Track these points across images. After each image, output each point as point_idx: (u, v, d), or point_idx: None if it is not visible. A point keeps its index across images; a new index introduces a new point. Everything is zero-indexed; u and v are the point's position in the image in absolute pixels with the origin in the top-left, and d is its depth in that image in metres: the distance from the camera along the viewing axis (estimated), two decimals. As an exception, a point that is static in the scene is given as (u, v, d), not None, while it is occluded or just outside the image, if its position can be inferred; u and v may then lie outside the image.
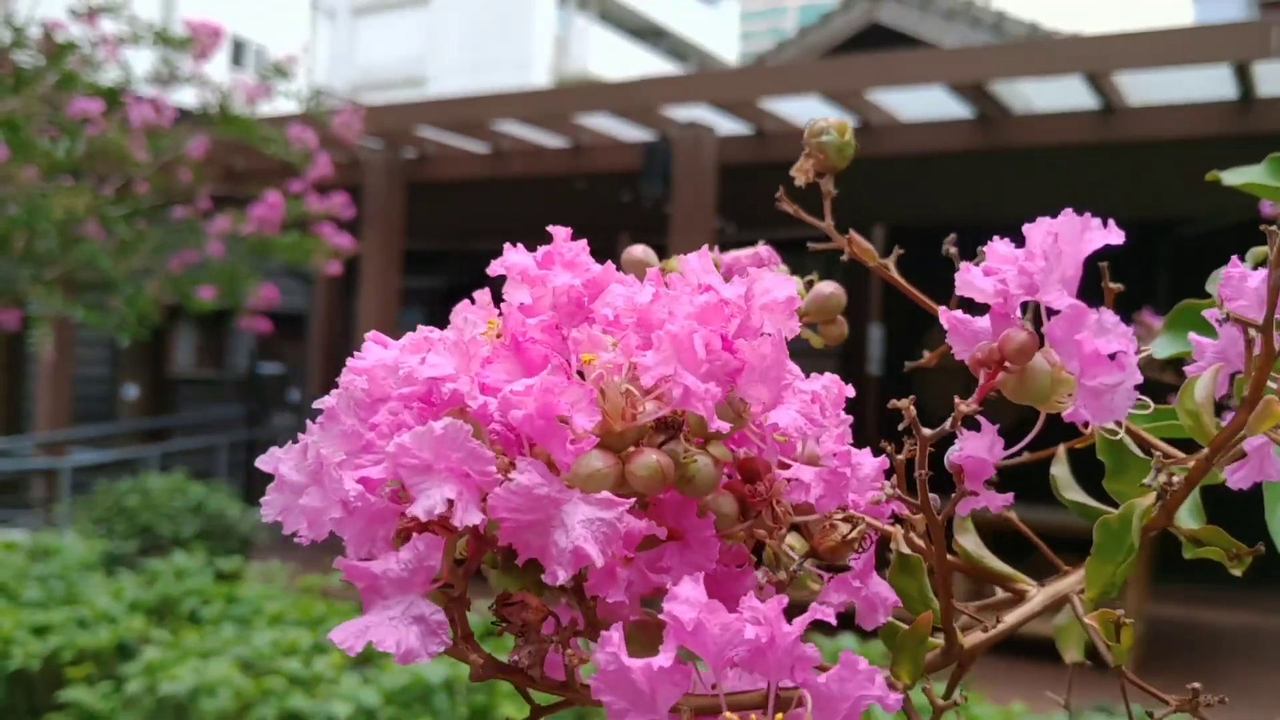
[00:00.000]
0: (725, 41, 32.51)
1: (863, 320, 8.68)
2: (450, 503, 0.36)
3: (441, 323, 0.45)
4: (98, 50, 5.88)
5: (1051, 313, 0.42)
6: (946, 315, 0.44)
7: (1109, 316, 0.41)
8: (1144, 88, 5.77)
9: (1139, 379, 0.40)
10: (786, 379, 0.41)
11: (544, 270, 0.45)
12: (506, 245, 0.47)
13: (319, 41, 26.65)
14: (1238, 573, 0.50)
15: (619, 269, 0.46)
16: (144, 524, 6.43)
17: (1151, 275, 7.75)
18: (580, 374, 0.39)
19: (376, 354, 0.41)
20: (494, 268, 0.46)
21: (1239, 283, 0.46)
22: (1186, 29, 5.85)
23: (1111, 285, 0.51)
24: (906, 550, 0.45)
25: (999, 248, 0.44)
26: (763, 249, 0.63)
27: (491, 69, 24.44)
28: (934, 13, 9.00)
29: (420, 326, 0.43)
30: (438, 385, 0.39)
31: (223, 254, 6.55)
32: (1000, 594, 0.55)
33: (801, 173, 0.58)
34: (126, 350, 9.88)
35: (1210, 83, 5.60)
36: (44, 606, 4.50)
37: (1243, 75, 5.40)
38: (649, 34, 30.35)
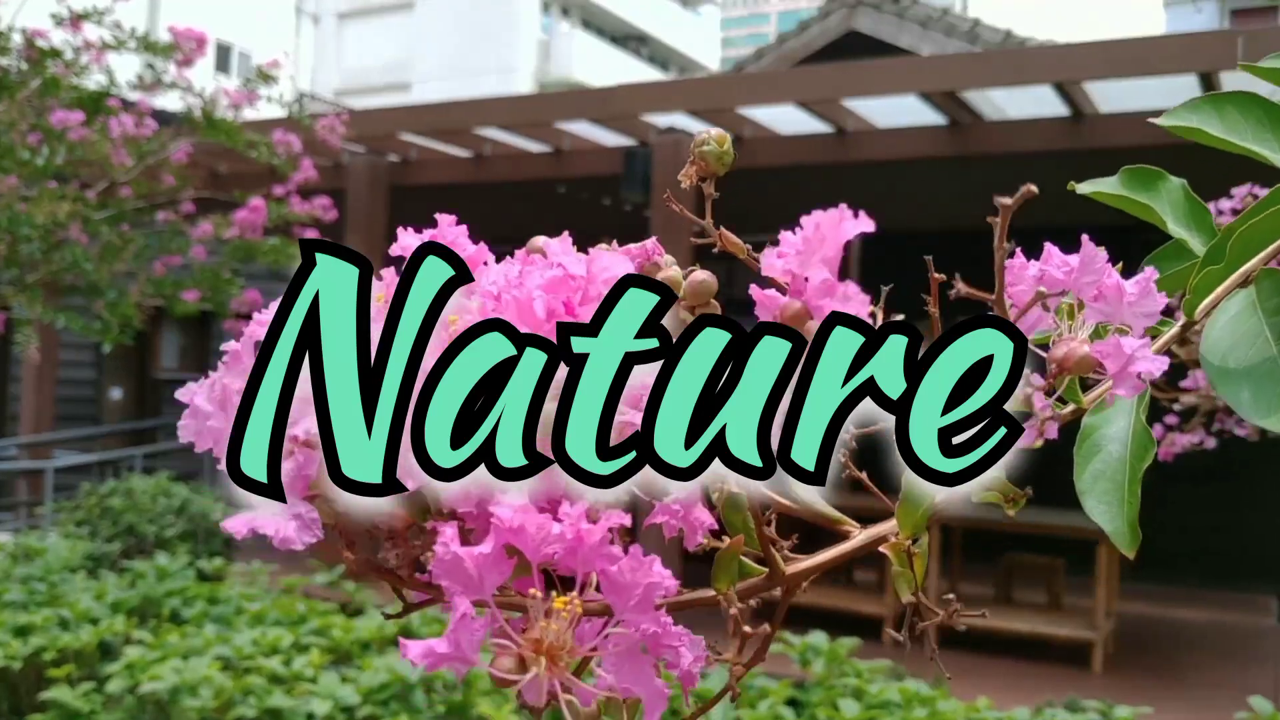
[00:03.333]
0: (707, 48, 32.61)
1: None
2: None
3: None
4: (81, 56, 5.91)
5: (812, 282, 0.51)
6: (756, 291, 0.53)
7: (852, 288, 0.50)
8: (1113, 96, 5.88)
9: None
10: None
11: None
12: (400, 230, 0.54)
13: (303, 46, 26.64)
14: (1011, 513, 0.56)
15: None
16: (127, 525, 6.47)
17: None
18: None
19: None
20: (393, 250, 0.54)
21: (1015, 271, 0.56)
22: (1154, 39, 5.96)
23: (936, 275, 0.59)
24: (735, 489, 0.51)
25: (787, 235, 0.53)
26: (650, 243, 0.72)
27: (475, 74, 24.48)
28: (910, 21, 9.11)
29: None
30: None
31: (206, 258, 6.59)
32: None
33: (685, 177, 0.68)
34: (111, 353, 9.89)
35: (1178, 91, 5.72)
36: (26, 608, 4.55)
37: (1209, 85, 5.51)
38: (632, 40, 30.44)
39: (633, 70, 27.26)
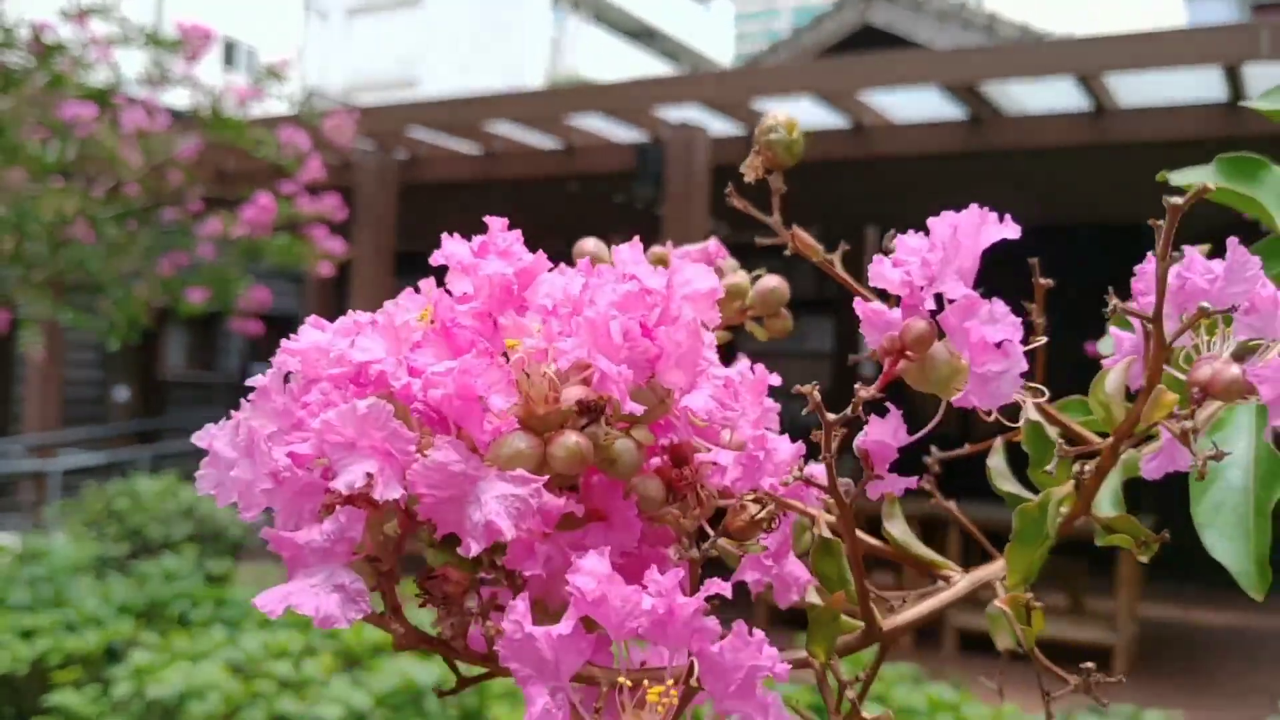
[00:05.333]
0: (719, 43, 32.55)
1: (856, 321, 8.68)
2: (370, 477, 0.37)
3: None
4: (88, 52, 5.86)
5: (950, 302, 0.43)
6: (861, 306, 0.46)
7: (999, 307, 0.42)
8: (1134, 89, 5.79)
9: (1024, 367, 0.42)
10: (702, 365, 0.43)
11: (478, 259, 0.46)
12: (444, 236, 0.48)
13: (311, 43, 26.64)
14: (1144, 559, 0.51)
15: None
16: (134, 527, 6.41)
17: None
18: (505, 357, 0.41)
19: (311, 336, 0.43)
20: (435, 257, 0.47)
21: (1149, 278, 0.47)
22: (1177, 31, 5.87)
23: (1042, 281, 0.53)
24: (827, 534, 0.47)
25: (908, 240, 0.46)
26: (712, 244, 0.66)
27: (484, 70, 24.44)
28: (926, 14, 9.01)
29: (353, 311, 0.44)
30: (366, 367, 0.41)
31: (213, 256, 6.53)
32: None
33: (751, 170, 0.60)
34: (117, 353, 9.85)
35: (1201, 85, 5.62)
36: (31, 610, 4.48)
37: (1233, 77, 5.42)
38: (642, 35, 30.38)
39: (644, 66, 27.20)
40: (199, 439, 0.42)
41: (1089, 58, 5.48)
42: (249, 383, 0.42)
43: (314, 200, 6.57)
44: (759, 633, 0.37)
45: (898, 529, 0.53)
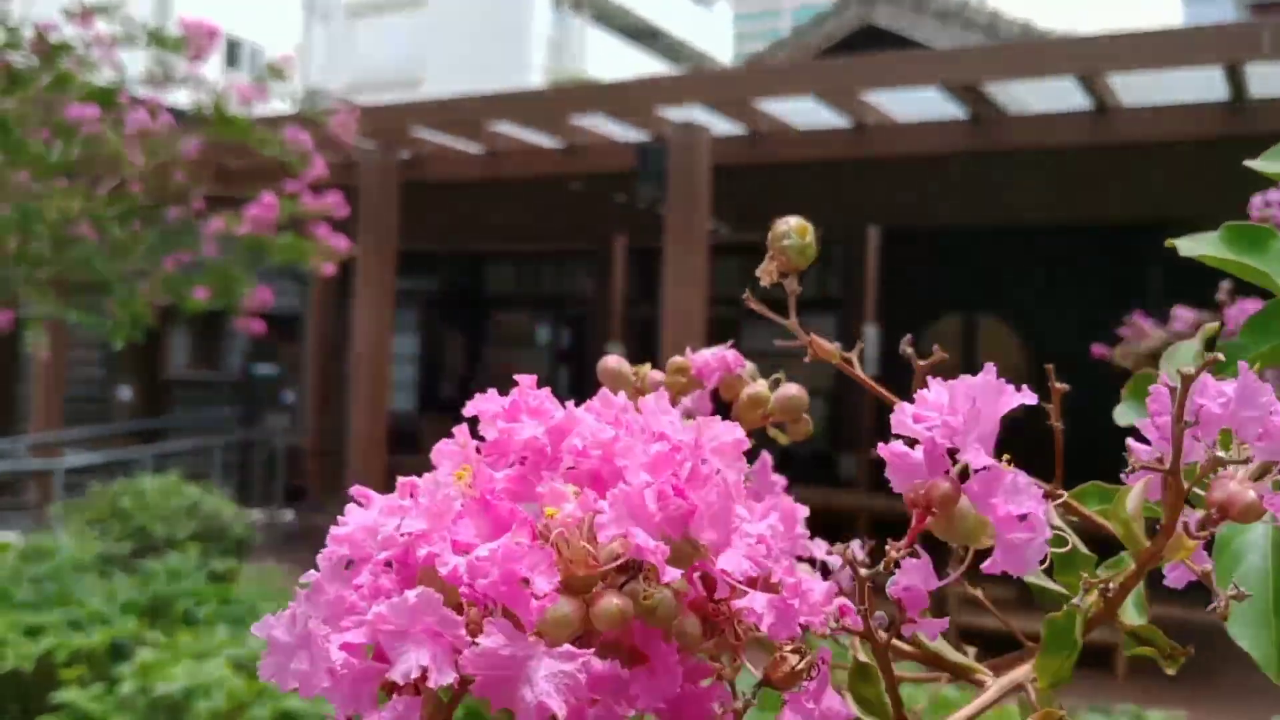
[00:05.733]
0: (720, 43, 32.54)
1: (858, 320, 8.70)
2: (425, 667, 0.39)
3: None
4: (92, 51, 5.87)
5: (974, 468, 0.45)
6: (885, 450, 0.47)
7: (1021, 479, 0.44)
8: (1136, 88, 5.80)
9: (1048, 534, 0.44)
10: (734, 523, 0.45)
11: (510, 423, 0.49)
12: (478, 396, 0.50)
13: (314, 42, 26.65)
14: (1171, 672, 0.54)
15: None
16: (138, 525, 6.43)
17: (1143, 276, 7.77)
18: (544, 528, 0.43)
19: (358, 518, 0.46)
20: (467, 410, 0.50)
21: (1164, 400, 0.49)
22: (1179, 30, 5.88)
23: (1057, 386, 0.55)
24: (864, 659, 0.49)
25: (928, 395, 0.47)
26: (729, 352, 0.68)
27: (486, 70, 24.43)
28: (928, 14, 9.02)
29: (399, 483, 0.48)
30: (413, 547, 0.44)
31: (217, 255, 6.54)
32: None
33: (766, 274, 0.63)
34: (120, 352, 9.85)
35: (1202, 84, 5.63)
36: (37, 608, 4.50)
37: (1234, 76, 5.42)
38: (644, 35, 30.38)
39: (645, 66, 27.18)
40: (257, 629, 0.44)
41: (1091, 57, 5.49)
42: (303, 579, 0.44)
43: (317, 198, 6.58)
44: None
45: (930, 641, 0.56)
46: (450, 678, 0.39)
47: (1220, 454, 0.45)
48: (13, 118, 5.40)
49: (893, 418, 0.47)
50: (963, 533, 0.45)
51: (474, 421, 0.51)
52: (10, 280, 5.87)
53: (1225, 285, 1.92)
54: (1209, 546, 0.53)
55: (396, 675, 0.39)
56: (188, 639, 4.03)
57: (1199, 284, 1.65)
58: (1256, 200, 1.80)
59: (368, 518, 0.45)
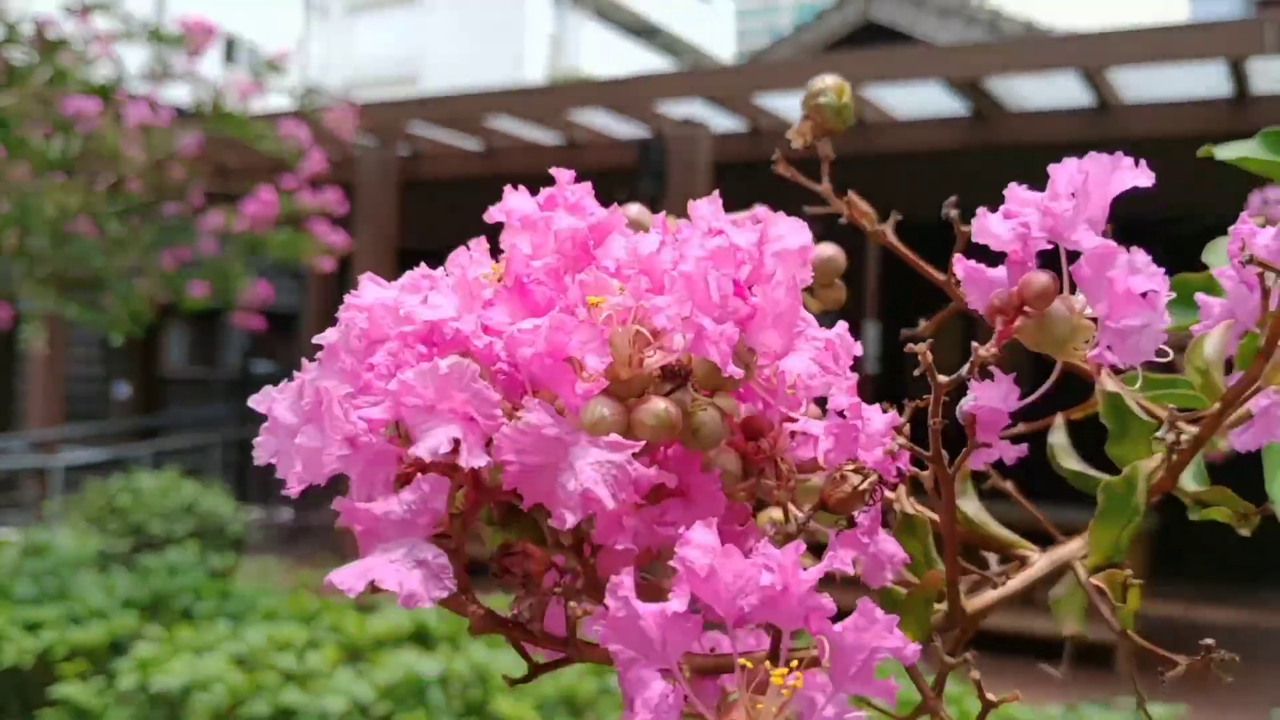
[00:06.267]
0: (720, 39, 32.50)
1: (857, 318, 8.68)
2: (455, 443, 0.34)
3: None
4: (90, 47, 5.85)
5: (1075, 256, 0.41)
6: (962, 263, 0.43)
7: (1141, 256, 0.40)
8: (1138, 85, 5.78)
9: (1167, 320, 0.40)
10: (800, 326, 0.40)
11: (547, 213, 0.43)
12: (507, 189, 0.45)
13: (312, 38, 26.60)
14: (1246, 532, 0.49)
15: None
16: (136, 523, 6.41)
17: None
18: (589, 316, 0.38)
19: (375, 293, 0.40)
20: (492, 214, 0.45)
21: (1250, 239, 0.45)
22: (1181, 26, 5.87)
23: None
24: (911, 510, 0.44)
25: (1019, 191, 0.43)
26: (760, 210, 0.63)
27: (485, 66, 24.41)
28: (929, 10, 9.00)
29: (419, 270, 0.42)
30: (440, 326, 0.38)
31: (215, 251, 6.52)
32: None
33: (799, 135, 0.58)
34: (118, 349, 9.84)
35: (1205, 80, 5.61)
36: (36, 603, 4.48)
37: (1237, 72, 5.41)
38: (643, 31, 30.34)
39: (645, 62, 27.14)
40: (256, 402, 0.39)
41: (1092, 53, 5.47)
42: (316, 339, 0.39)
43: (315, 194, 6.56)
44: (881, 613, 0.35)
45: (971, 507, 0.51)
46: (483, 460, 0.35)
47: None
48: (12, 113, 5.37)
49: (974, 226, 0.43)
50: (1054, 337, 0.41)
51: (494, 238, 0.44)
52: (9, 276, 5.85)
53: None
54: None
55: (422, 450, 0.34)
56: (187, 634, 4.02)
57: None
58: (1255, 198, 1.80)
59: (386, 294, 0.40)
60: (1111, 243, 0.41)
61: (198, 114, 6.24)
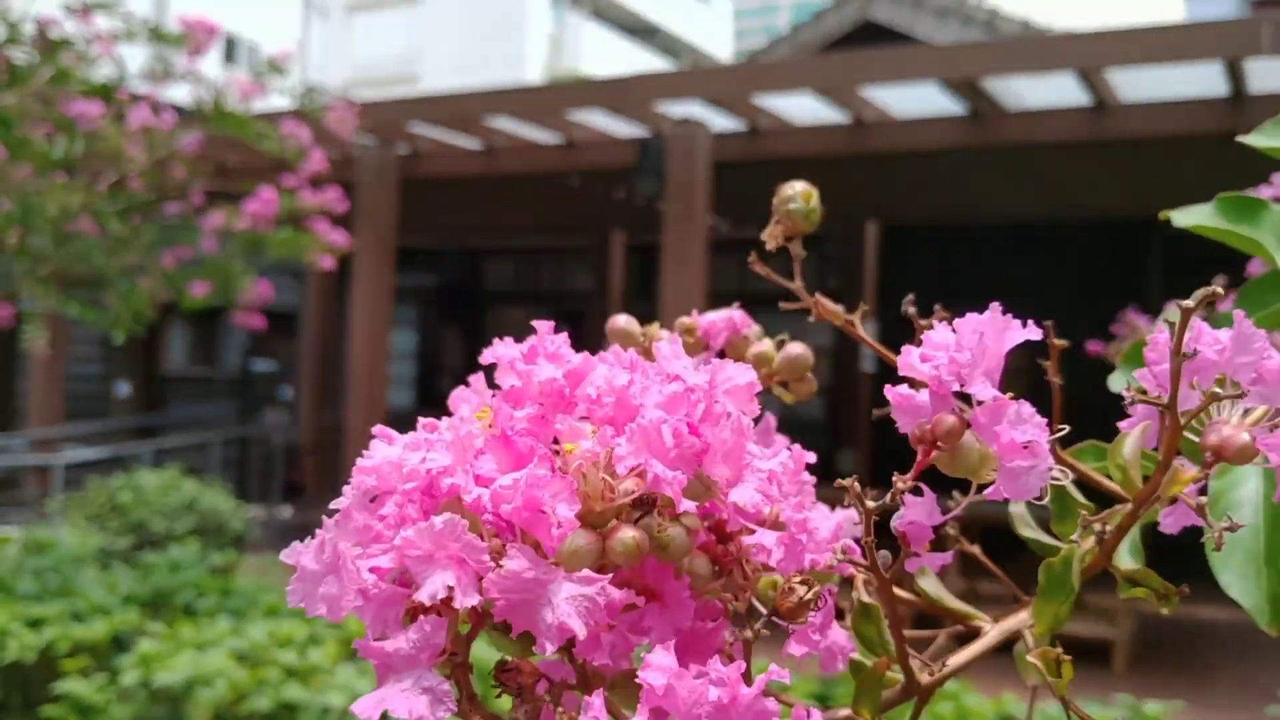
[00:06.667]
0: (718, 39, 32.52)
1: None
2: (450, 588, 0.41)
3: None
4: (92, 47, 5.87)
5: (979, 400, 0.47)
6: (892, 392, 0.48)
7: (1025, 409, 0.45)
8: (1135, 85, 5.81)
9: (1050, 463, 0.45)
10: (746, 459, 0.46)
11: (529, 365, 0.50)
12: (495, 340, 0.52)
13: (312, 38, 26.61)
14: (1166, 611, 0.54)
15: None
16: (137, 521, 6.43)
17: (1141, 272, 7.79)
18: (563, 463, 0.45)
19: (383, 452, 0.47)
20: (485, 357, 0.52)
21: (1162, 349, 0.50)
22: (1178, 26, 5.88)
23: (1056, 342, 0.57)
24: (867, 599, 0.51)
25: (935, 335, 0.48)
26: (736, 313, 0.69)
27: (485, 66, 24.44)
28: (926, 10, 9.03)
29: (421, 422, 0.49)
30: (438, 479, 0.45)
31: (216, 250, 6.54)
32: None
33: (771, 238, 0.64)
34: (119, 348, 9.86)
35: (1201, 80, 5.64)
36: (39, 599, 4.51)
37: (1234, 72, 5.43)
38: (642, 31, 30.36)
39: (643, 62, 27.16)
40: (286, 556, 0.46)
41: (1090, 53, 5.49)
42: (332, 505, 0.45)
43: (316, 194, 6.58)
44: (816, 712, 0.40)
45: (930, 584, 0.58)
46: (475, 599, 0.41)
47: (1216, 390, 0.46)
48: (14, 113, 5.40)
49: (900, 360, 0.48)
50: (966, 466, 0.47)
51: (489, 373, 0.52)
52: (10, 275, 5.87)
53: (1220, 279, 1.94)
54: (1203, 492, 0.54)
55: (423, 596, 0.40)
56: (189, 630, 4.04)
57: (1197, 281, 1.67)
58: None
59: (392, 452, 0.47)
60: (1002, 398, 0.46)
61: (199, 113, 6.26)
